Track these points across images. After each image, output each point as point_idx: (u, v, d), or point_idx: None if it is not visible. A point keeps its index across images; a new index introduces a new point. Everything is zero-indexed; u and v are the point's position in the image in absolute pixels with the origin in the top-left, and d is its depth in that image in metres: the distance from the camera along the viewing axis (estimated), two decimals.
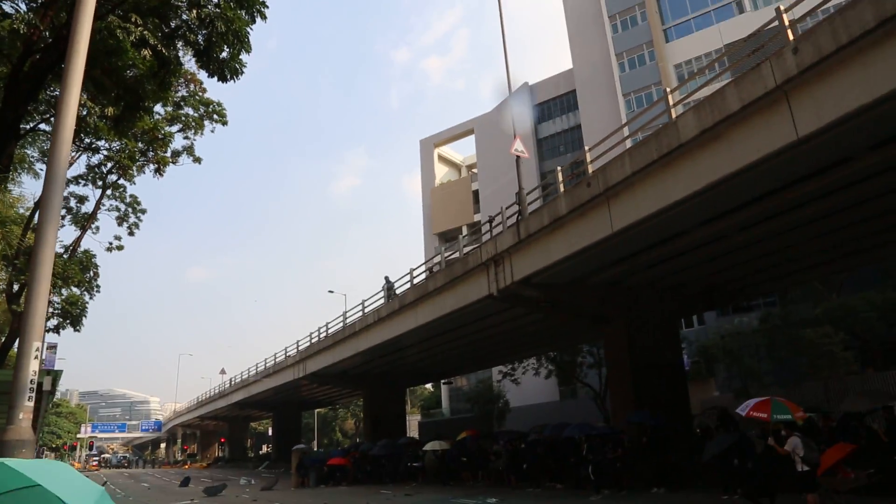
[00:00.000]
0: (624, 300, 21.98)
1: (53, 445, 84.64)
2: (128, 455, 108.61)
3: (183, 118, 22.26)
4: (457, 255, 25.17)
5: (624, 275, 21.05)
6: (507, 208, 21.56)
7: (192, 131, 22.58)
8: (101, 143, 18.45)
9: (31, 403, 7.73)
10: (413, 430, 56.25)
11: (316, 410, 72.46)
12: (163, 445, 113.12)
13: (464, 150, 72.29)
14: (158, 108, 21.47)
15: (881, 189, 15.94)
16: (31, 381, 7.68)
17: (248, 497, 25.19)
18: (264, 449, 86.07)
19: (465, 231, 55.67)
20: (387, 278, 30.66)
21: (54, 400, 65.13)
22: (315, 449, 56.15)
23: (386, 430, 36.23)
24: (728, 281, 22.76)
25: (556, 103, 54.49)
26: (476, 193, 59.28)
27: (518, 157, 21.35)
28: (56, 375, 18.10)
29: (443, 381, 51.03)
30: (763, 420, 12.67)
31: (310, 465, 32.11)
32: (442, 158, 68.39)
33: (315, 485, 30.54)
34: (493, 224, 23.42)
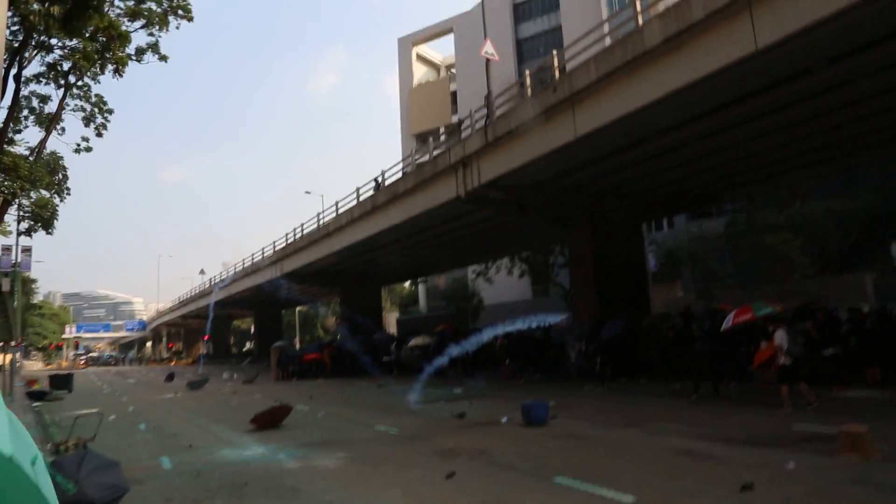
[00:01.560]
0: (589, 204, 22.46)
1: (40, 346, 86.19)
2: (114, 354, 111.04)
3: (146, 13, 21.41)
4: (427, 157, 25.26)
5: (589, 179, 21.40)
6: (475, 111, 21.49)
7: (157, 27, 21.77)
8: (55, 41, 17.85)
9: None
10: (392, 328, 58.03)
11: (297, 308, 74.06)
12: (148, 344, 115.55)
13: (444, 50, 70.32)
14: (118, 1, 20.67)
15: (839, 102, 16.20)
16: None
17: (229, 389, 26.34)
18: (248, 346, 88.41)
19: (442, 132, 55.20)
20: (376, 179, 30.72)
21: (35, 302, 65.61)
22: (297, 346, 57.89)
23: (363, 327, 37.45)
24: (691, 187, 23.23)
25: (537, 2, 52.66)
26: (455, 94, 58.25)
27: (488, 60, 21.08)
28: (14, 276, 18.32)
29: (417, 279, 52.19)
30: (749, 321, 13.03)
31: (287, 361, 33.42)
32: (420, 58, 66.55)
33: (293, 377, 31.90)
34: (463, 127, 23.41)
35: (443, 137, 25.45)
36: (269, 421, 13.15)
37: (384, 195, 27.08)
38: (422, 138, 59.88)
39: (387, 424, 12.50)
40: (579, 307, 23.39)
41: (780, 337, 11.43)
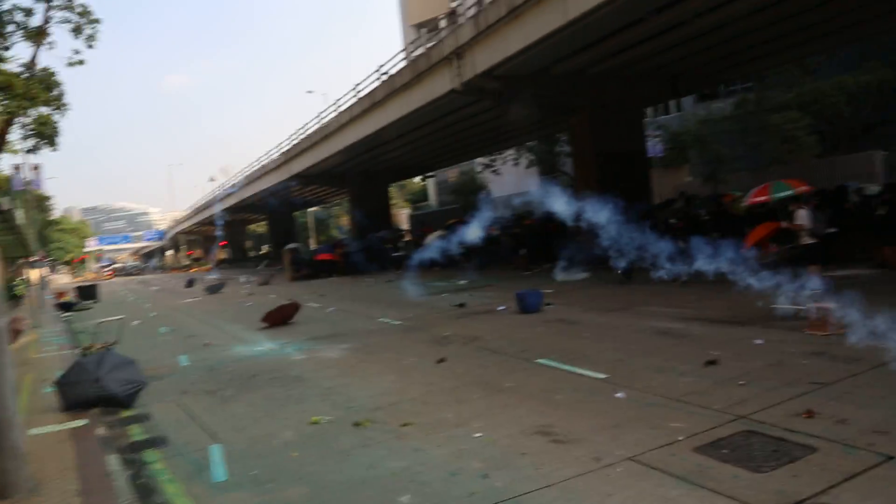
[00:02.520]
0: (589, 89, 22.02)
1: (65, 260, 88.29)
2: (137, 264, 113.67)
3: None
4: (423, 50, 24.67)
5: (588, 63, 20.89)
6: None
7: None
8: None
9: None
10: (403, 224, 58.61)
11: (309, 210, 74.71)
12: (169, 252, 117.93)
13: None
14: None
15: None
16: None
17: (246, 291, 27.28)
18: (264, 249, 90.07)
19: (442, 18, 53.12)
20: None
21: (54, 218, 66.46)
22: (311, 247, 58.84)
23: (373, 225, 37.96)
24: (692, 67, 22.60)
25: None
26: None
27: None
28: (14, 194, 18.55)
29: (426, 174, 52.11)
30: (764, 202, 12.85)
31: (299, 261, 34.28)
32: None
33: (306, 278, 32.82)
34: (458, 14, 22.68)
35: (443, 23, 24.64)
36: (279, 319, 13.83)
37: (382, 90, 26.66)
38: (422, 27, 57.78)
39: (390, 317, 13.12)
40: (581, 195, 23.47)
41: (803, 217, 11.01)
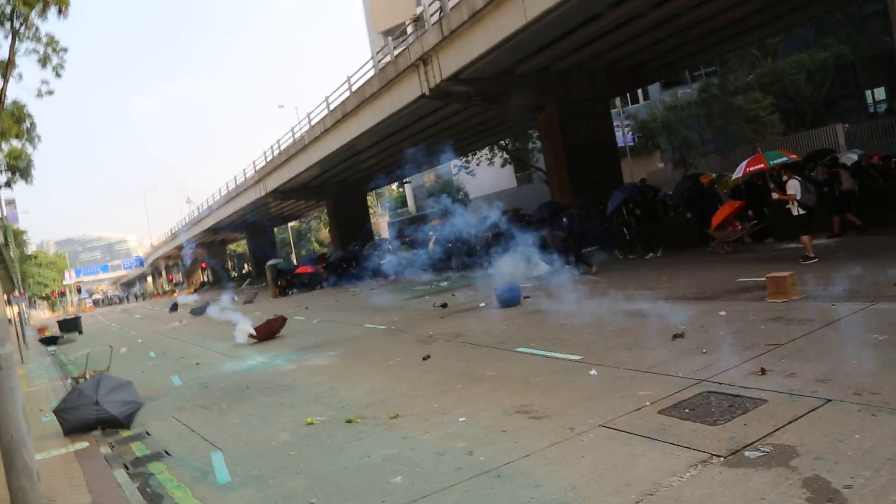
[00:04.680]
0: (554, 85, 22.53)
1: (43, 295, 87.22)
2: (118, 294, 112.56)
3: None
4: (390, 57, 25.04)
5: (551, 60, 21.39)
6: (429, 5, 21.19)
7: None
8: None
9: None
10: (385, 232, 58.85)
11: (289, 224, 74.70)
12: (149, 279, 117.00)
13: None
14: None
15: None
16: None
17: (231, 310, 27.44)
18: (246, 268, 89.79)
19: (408, 24, 53.52)
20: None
21: (30, 253, 65.81)
22: (294, 261, 58.90)
23: (353, 235, 38.24)
24: (653, 57, 23.17)
25: None
26: None
27: None
28: (5, 228, 18.64)
29: (403, 181, 52.43)
30: (762, 169, 13.06)
31: (280, 276, 34.46)
32: None
33: (290, 292, 32.99)
34: (424, 19, 23.09)
35: (410, 30, 25.07)
36: (267, 333, 14.10)
37: (353, 101, 27.00)
38: (389, 34, 58.15)
39: (375, 322, 13.45)
40: (554, 188, 23.98)
41: (794, 187, 11.23)
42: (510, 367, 7.25)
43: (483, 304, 12.90)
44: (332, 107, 29.46)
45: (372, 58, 26.94)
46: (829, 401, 4.47)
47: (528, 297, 12.50)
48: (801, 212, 11.29)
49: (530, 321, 10.10)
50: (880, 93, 34.79)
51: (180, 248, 75.12)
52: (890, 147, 21.98)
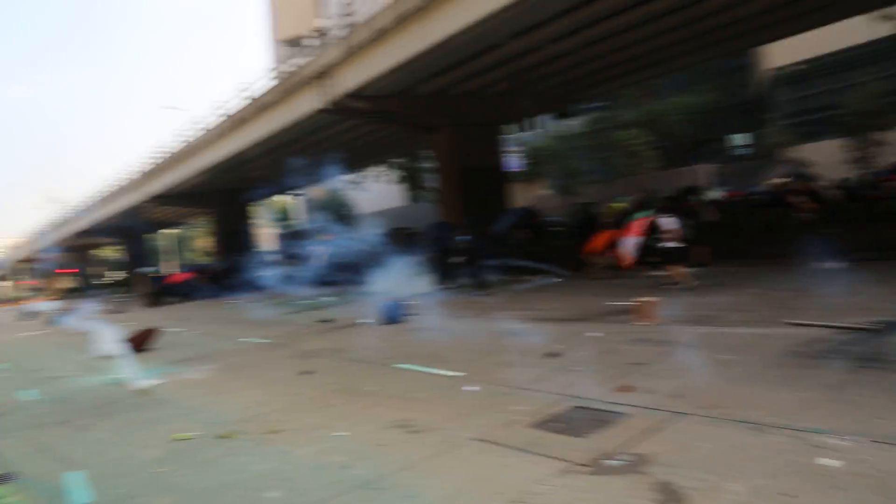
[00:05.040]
0: (451, 108, 23.09)
1: None
2: None
3: None
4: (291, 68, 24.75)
5: (449, 84, 21.94)
6: (339, 19, 21.22)
7: None
8: None
9: None
10: (270, 244, 57.34)
11: (169, 231, 71.16)
12: (5, 284, 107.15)
13: None
14: None
15: (675, 5, 17.29)
16: None
17: (95, 319, 25.67)
18: (117, 275, 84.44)
19: (310, 36, 52.93)
20: None
21: None
22: (171, 270, 56.08)
23: (236, 246, 36.99)
24: (547, 89, 24.29)
25: None
26: None
27: None
28: None
29: (293, 192, 51.47)
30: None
31: (154, 286, 32.72)
32: None
33: (163, 303, 31.34)
34: (329, 32, 23.05)
35: (312, 42, 24.90)
36: (137, 344, 13.31)
37: (250, 108, 26.37)
38: (290, 43, 57.21)
39: (254, 336, 13.07)
40: (444, 208, 24.45)
41: (670, 223, 12.48)
42: (391, 383, 7.30)
43: (366, 321, 12.88)
44: (226, 113, 28.55)
45: (274, 67, 26.43)
46: (682, 414, 4.89)
47: (412, 315, 12.62)
48: (679, 245, 12.46)
49: (413, 338, 10.22)
50: (742, 138, 38.35)
51: (45, 250, 69.60)
52: (748, 185, 24.24)
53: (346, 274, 24.77)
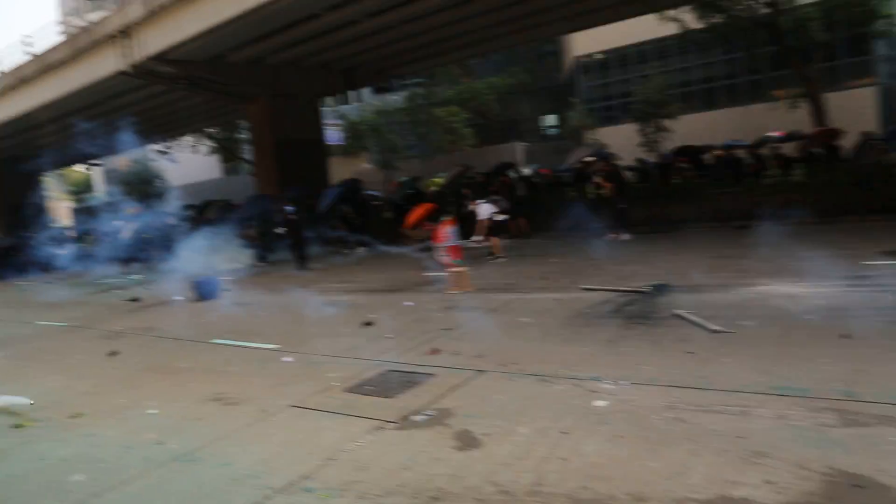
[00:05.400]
0: (267, 78, 22.35)
1: None
2: None
3: None
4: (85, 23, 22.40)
5: (266, 53, 21.22)
6: None
7: None
8: None
9: None
10: (67, 219, 51.83)
11: None
12: None
13: None
14: None
15: None
16: None
17: None
18: None
19: None
20: None
21: None
22: None
23: (25, 221, 32.95)
24: (366, 62, 24.38)
25: None
26: None
27: None
28: None
29: (93, 163, 46.87)
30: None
31: None
32: None
33: None
34: None
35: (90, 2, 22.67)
36: None
37: (31, 67, 23.47)
38: None
39: (51, 319, 11.98)
40: (261, 181, 23.79)
41: (485, 210, 13.41)
42: (205, 359, 7.20)
43: (179, 298, 12.34)
44: (2, 70, 25.19)
45: (63, 20, 23.69)
46: (483, 371, 5.46)
47: (229, 290, 12.31)
48: (495, 220, 13.34)
49: (229, 314, 10.03)
50: (552, 119, 41.34)
51: None
52: (557, 164, 26.27)
53: (155, 250, 23.29)
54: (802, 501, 3.03)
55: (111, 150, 40.89)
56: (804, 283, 7.36)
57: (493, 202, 14.08)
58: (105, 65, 20.70)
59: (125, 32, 19.58)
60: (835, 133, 18.05)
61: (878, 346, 5.12)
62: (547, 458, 3.71)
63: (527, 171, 25.57)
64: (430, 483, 3.54)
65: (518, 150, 35.47)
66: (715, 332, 5.86)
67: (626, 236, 13.93)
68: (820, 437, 3.64)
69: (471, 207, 14.07)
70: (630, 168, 21.07)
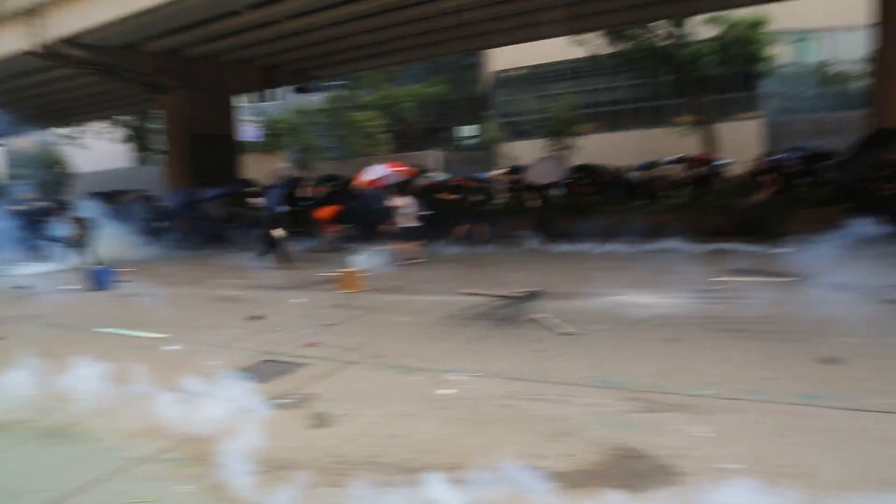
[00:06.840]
0: (183, 70, 22.12)
1: None
2: None
3: None
4: None
5: (183, 45, 21.03)
6: None
7: None
8: None
9: None
10: None
11: None
12: None
13: None
14: None
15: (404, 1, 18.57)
16: None
17: None
18: None
19: None
20: None
21: None
22: None
23: None
24: (285, 62, 24.47)
25: None
26: None
27: None
28: None
29: None
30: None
31: None
32: None
33: None
34: None
35: None
36: None
37: None
38: None
39: None
40: (173, 173, 23.41)
41: (408, 203, 13.60)
42: (87, 347, 7.21)
43: (72, 287, 12.14)
44: None
45: None
46: (353, 363, 5.93)
47: (125, 281, 12.22)
48: (411, 224, 13.69)
49: (121, 303, 10.05)
50: (468, 129, 42.36)
51: None
52: (472, 172, 27.06)
53: (51, 238, 22.44)
54: (588, 469, 3.65)
55: (12, 131, 38.96)
56: (655, 295, 8.23)
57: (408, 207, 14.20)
58: (10, 42, 19.93)
59: (34, 11, 18.95)
60: (708, 160, 19.73)
61: (696, 347, 5.93)
62: (388, 435, 4.21)
63: (439, 178, 26.18)
64: (280, 455, 3.97)
65: (433, 157, 36.20)
66: (563, 333, 6.55)
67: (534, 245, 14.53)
68: (620, 422, 4.30)
69: (396, 203, 14.09)
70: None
